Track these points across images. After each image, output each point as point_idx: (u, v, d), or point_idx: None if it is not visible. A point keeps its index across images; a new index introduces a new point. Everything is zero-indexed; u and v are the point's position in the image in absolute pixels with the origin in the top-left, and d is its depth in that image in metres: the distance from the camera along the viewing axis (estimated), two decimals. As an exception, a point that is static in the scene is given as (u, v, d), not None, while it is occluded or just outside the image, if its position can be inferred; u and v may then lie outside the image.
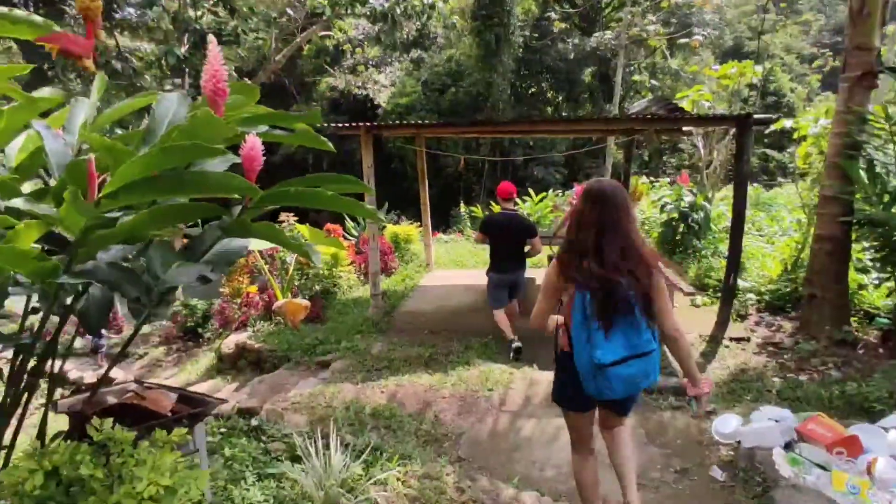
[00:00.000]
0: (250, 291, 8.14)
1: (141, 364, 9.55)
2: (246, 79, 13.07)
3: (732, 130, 7.85)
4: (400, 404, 4.64)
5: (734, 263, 5.84)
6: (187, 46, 12.73)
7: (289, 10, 13.23)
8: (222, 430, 4.07)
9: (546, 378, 4.90)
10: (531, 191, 12.07)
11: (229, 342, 7.03)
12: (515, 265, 5.81)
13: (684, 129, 7.62)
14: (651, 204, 10.58)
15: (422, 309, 7.19)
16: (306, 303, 6.53)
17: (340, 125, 6.34)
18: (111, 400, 2.66)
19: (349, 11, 10.67)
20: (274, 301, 7.18)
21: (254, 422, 4.01)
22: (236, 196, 1.72)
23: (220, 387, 6.69)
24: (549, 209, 11.93)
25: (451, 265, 9.77)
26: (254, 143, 1.69)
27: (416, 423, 4.34)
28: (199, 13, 12.30)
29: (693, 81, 14.29)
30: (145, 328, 13.21)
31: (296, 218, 9.07)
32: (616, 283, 2.25)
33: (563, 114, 22.56)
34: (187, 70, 12.29)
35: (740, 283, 6.52)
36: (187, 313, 8.70)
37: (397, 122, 7.07)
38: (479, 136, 7.75)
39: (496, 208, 6.90)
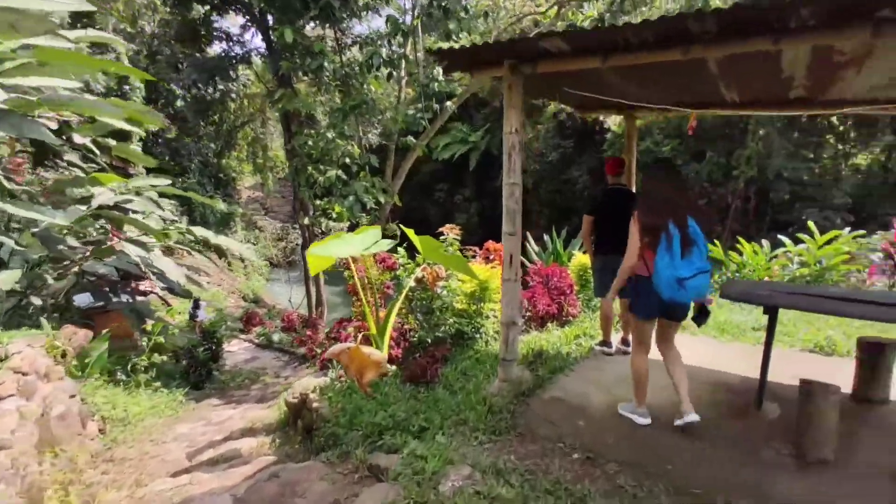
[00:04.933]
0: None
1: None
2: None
3: None
4: None
5: None
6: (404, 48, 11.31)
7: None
8: None
9: None
10: (812, 226, 7.47)
11: (297, 388, 4.48)
12: (622, 245, 3.85)
13: None
14: None
15: (584, 401, 3.68)
16: (379, 356, 3.58)
17: (451, 47, 3.25)
18: None
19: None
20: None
21: None
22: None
23: (255, 452, 4.16)
24: (842, 258, 7.12)
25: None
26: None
27: None
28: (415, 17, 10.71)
29: None
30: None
31: (459, 230, 6.35)
32: (687, 225, 3.03)
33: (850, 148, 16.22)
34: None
35: None
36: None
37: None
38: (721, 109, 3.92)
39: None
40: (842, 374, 4.03)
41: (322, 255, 4.10)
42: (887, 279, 6.66)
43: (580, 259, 6.46)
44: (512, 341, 3.69)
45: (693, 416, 3.20)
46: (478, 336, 5.22)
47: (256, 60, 14.58)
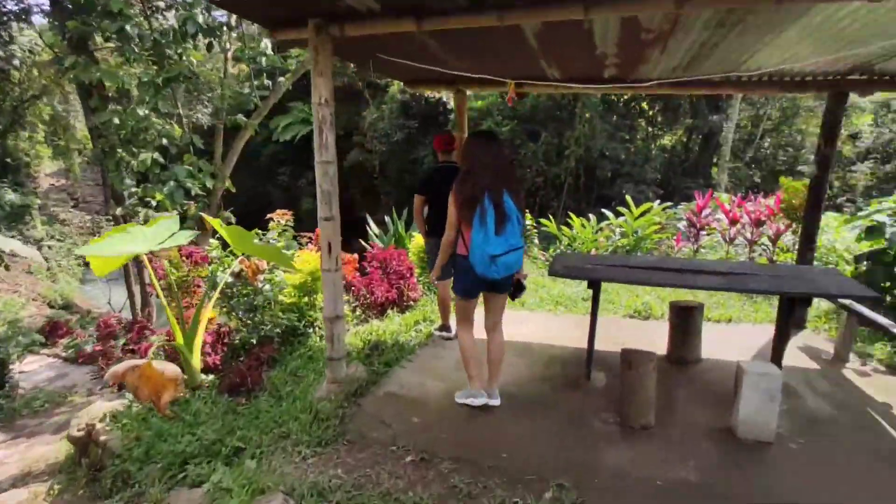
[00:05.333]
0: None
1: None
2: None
3: None
4: None
5: None
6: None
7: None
8: None
9: None
10: (630, 200, 8.12)
11: (83, 417, 3.65)
12: None
13: None
14: (839, 228, 6.21)
15: (421, 393, 3.46)
16: (175, 371, 2.99)
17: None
18: None
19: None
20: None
21: None
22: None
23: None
24: (654, 228, 7.83)
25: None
26: None
27: None
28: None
29: None
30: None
31: (290, 214, 5.77)
32: (502, 200, 2.89)
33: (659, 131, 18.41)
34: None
35: None
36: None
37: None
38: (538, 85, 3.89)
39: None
40: (657, 336, 4.30)
41: (101, 254, 3.32)
42: (691, 245, 7.46)
43: (419, 240, 6.25)
44: (338, 337, 3.30)
45: (495, 401, 3.23)
46: (311, 331, 4.75)
47: (41, 20, 12.12)
